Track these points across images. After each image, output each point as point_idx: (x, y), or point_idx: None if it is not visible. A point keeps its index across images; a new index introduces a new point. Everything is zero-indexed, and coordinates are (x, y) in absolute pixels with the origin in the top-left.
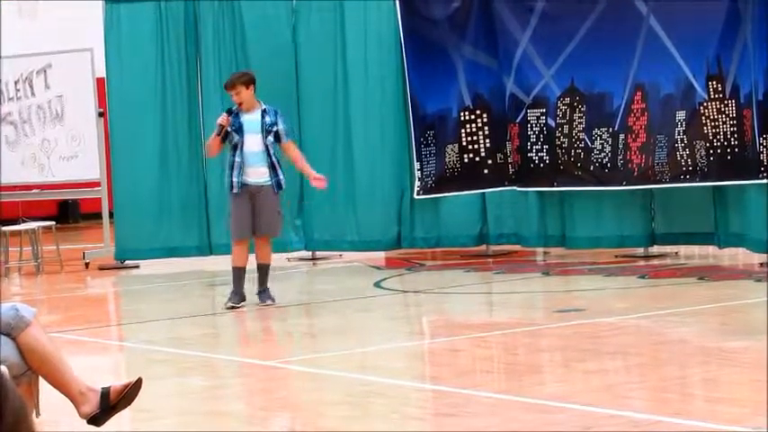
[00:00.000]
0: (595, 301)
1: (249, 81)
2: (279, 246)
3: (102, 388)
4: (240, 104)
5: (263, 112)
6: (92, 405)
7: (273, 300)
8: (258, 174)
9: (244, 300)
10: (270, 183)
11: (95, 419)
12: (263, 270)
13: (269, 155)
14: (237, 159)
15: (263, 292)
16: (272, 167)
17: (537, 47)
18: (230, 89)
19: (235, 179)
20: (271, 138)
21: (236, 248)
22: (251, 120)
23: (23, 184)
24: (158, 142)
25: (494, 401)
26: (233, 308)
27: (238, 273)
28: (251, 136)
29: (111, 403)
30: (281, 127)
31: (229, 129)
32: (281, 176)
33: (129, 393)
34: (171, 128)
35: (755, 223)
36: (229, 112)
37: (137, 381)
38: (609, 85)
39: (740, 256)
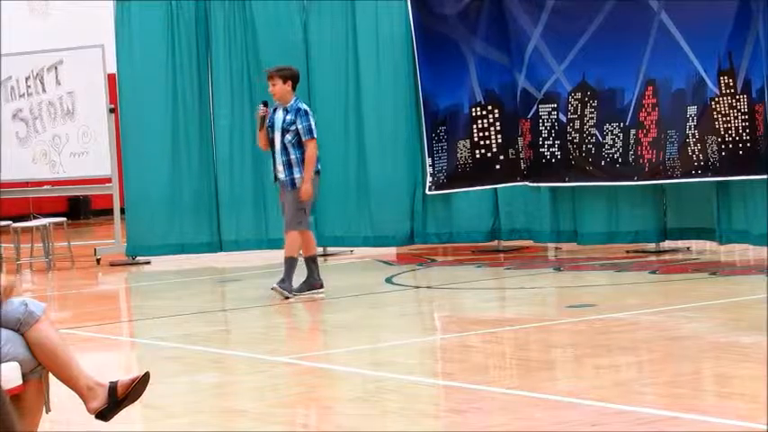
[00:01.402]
0: (607, 296)
1: (288, 76)
2: None
3: (110, 382)
4: (274, 96)
5: (286, 110)
6: (100, 400)
7: (285, 295)
8: (280, 170)
9: (311, 289)
10: (285, 179)
11: (103, 415)
12: (285, 263)
13: (287, 153)
14: (271, 155)
15: (280, 282)
16: (289, 165)
17: (548, 42)
18: (268, 79)
19: (273, 174)
20: (288, 136)
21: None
22: (278, 117)
23: (34, 180)
24: (169, 139)
25: (506, 397)
26: (292, 296)
27: (287, 262)
28: (277, 133)
29: (119, 398)
30: (299, 126)
31: (267, 122)
32: (297, 175)
33: (136, 387)
34: (182, 124)
35: (764, 219)
36: (265, 103)
37: (144, 375)
38: (620, 80)
39: (751, 251)
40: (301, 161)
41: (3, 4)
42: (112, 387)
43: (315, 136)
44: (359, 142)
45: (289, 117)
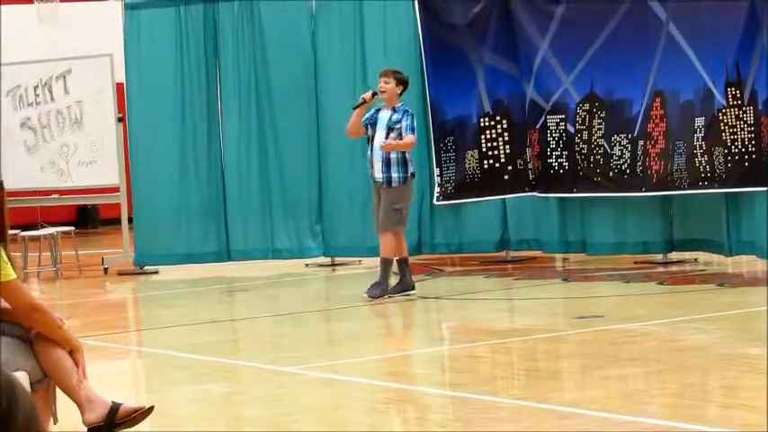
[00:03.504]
0: (615, 307)
1: (402, 80)
2: (298, 252)
3: (114, 402)
4: (383, 93)
5: (394, 110)
6: (96, 415)
7: (374, 295)
8: (377, 169)
9: (404, 290)
10: (381, 178)
11: (97, 430)
12: (381, 264)
13: (387, 152)
14: (368, 154)
15: (373, 286)
16: (387, 164)
17: (556, 53)
18: (383, 75)
19: (370, 173)
20: (393, 135)
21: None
22: (383, 117)
23: (42, 189)
24: (177, 148)
25: (514, 408)
26: (370, 299)
27: (383, 263)
28: (379, 132)
29: (117, 421)
30: (403, 123)
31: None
32: (394, 175)
33: (136, 417)
34: (190, 133)
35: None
36: (374, 93)
37: (149, 408)
38: (628, 91)
39: (759, 263)
40: (401, 161)
41: (11, 11)
42: (114, 408)
43: (415, 135)
44: (365, 151)
45: (396, 116)
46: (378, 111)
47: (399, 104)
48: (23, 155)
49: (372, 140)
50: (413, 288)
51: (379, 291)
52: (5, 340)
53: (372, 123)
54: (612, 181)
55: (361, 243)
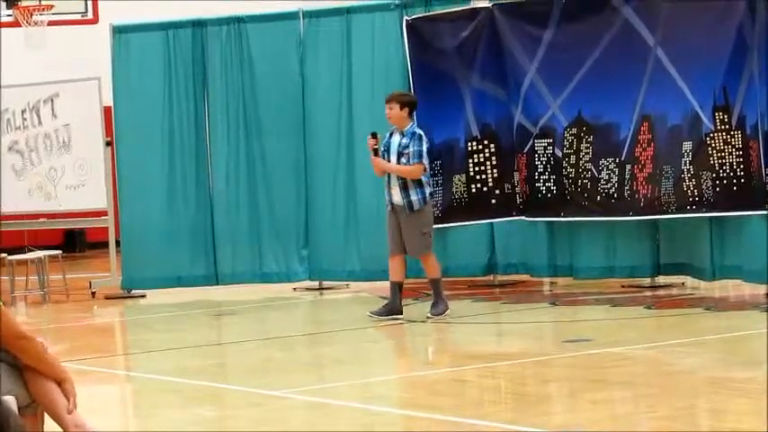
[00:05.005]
0: (603, 331)
1: (406, 103)
2: (285, 276)
3: None
4: (389, 119)
5: (402, 134)
6: None
7: (437, 314)
8: (395, 193)
9: (390, 314)
10: (401, 203)
11: None
12: (431, 284)
13: (402, 176)
14: (385, 178)
15: (433, 306)
16: (405, 188)
17: (544, 77)
18: (386, 102)
19: (386, 197)
20: (404, 159)
21: (389, 262)
22: (395, 141)
23: (30, 213)
24: (165, 171)
25: None
26: (377, 318)
27: (391, 286)
28: (392, 157)
29: None
30: (411, 150)
31: (380, 148)
32: (414, 198)
33: None
34: (178, 157)
35: (757, 254)
36: (374, 135)
37: None
38: (616, 115)
39: (746, 286)
40: (417, 183)
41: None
42: None
43: (423, 161)
44: (351, 174)
45: (404, 140)
46: (391, 135)
47: (408, 127)
48: (11, 178)
49: None
50: (400, 313)
51: (440, 308)
52: None
53: (387, 149)
54: (600, 205)
55: (348, 267)
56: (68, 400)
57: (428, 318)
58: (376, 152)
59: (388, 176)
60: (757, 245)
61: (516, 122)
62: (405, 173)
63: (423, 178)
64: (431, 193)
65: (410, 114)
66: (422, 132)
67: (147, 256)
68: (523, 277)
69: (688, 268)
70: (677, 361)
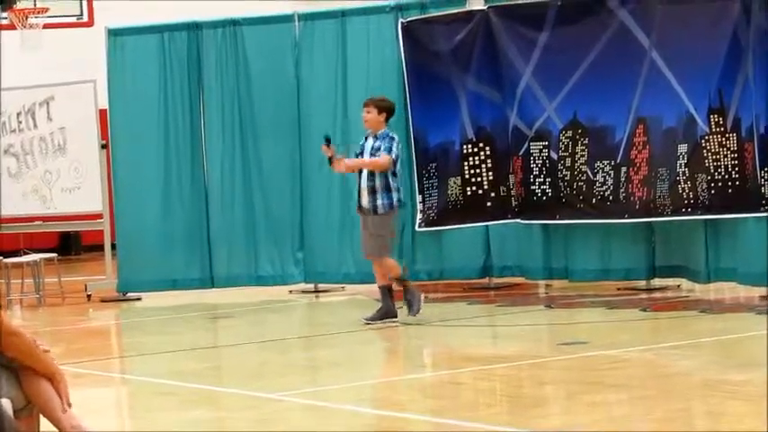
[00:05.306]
0: (598, 333)
1: (384, 108)
2: (281, 278)
3: None
4: (366, 122)
5: (376, 137)
6: None
7: (371, 319)
8: (363, 196)
9: (385, 317)
10: (368, 207)
11: None
12: (380, 291)
13: (372, 179)
14: (357, 181)
15: (409, 310)
16: (373, 192)
17: (540, 80)
18: (364, 106)
19: (357, 201)
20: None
21: (373, 268)
22: (368, 144)
23: (25, 216)
24: (161, 174)
25: None
26: (371, 324)
27: (380, 291)
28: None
29: None
30: (382, 147)
31: (334, 156)
32: (380, 201)
33: None
34: (174, 159)
35: (752, 257)
36: (327, 140)
37: None
38: (611, 118)
39: (741, 289)
40: (385, 188)
41: None
42: None
43: (393, 156)
44: (345, 177)
45: (377, 143)
46: (366, 138)
47: (382, 131)
48: (7, 181)
49: (360, 170)
50: (395, 316)
51: (377, 315)
52: None
53: (361, 152)
54: (595, 208)
55: (344, 270)
56: (61, 399)
57: (362, 321)
58: (331, 160)
59: (359, 181)
60: (752, 247)
61: (512, 125)
62: (373, 165)
63: (392, 184)
64: (399, 200)
65: (386, 120)
66: (395, 135)
67: (142, 259)
68: (519, 280)
69: (683, 271)
70: (673, 363)
